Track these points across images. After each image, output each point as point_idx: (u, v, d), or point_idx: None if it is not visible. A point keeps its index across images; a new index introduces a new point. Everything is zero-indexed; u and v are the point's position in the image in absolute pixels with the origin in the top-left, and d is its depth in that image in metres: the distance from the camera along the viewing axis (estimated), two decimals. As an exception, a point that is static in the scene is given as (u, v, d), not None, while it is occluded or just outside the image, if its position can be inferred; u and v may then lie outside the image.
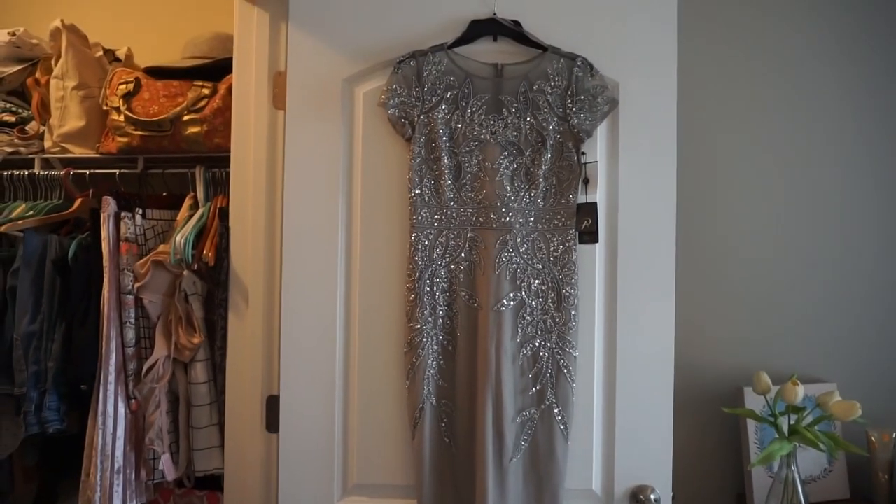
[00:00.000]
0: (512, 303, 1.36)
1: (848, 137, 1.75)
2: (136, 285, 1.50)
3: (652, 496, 1.36)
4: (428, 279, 1.37)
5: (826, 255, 1.75)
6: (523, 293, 1.37)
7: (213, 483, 1.59)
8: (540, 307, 1.37)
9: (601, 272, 1.43)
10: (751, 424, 1.63)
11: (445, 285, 1.38)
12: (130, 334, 1.49)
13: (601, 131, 1.44)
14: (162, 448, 1.46)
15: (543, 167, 1.39)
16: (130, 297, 1.50)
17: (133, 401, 1.48)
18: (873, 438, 1.64)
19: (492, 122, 1.40)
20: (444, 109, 1.40)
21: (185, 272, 1.52)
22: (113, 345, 1.47)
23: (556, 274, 1.37)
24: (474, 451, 1.34)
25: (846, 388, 1.63)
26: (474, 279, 1.38)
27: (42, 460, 1.64)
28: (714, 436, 1.75)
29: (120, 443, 1.45)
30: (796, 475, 1.49)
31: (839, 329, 1.75)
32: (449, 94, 1.41)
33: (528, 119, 1.40)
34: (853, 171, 1.75)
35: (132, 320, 1.50)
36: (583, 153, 1.41)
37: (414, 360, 1.36)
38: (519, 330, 1.36)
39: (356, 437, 1.41)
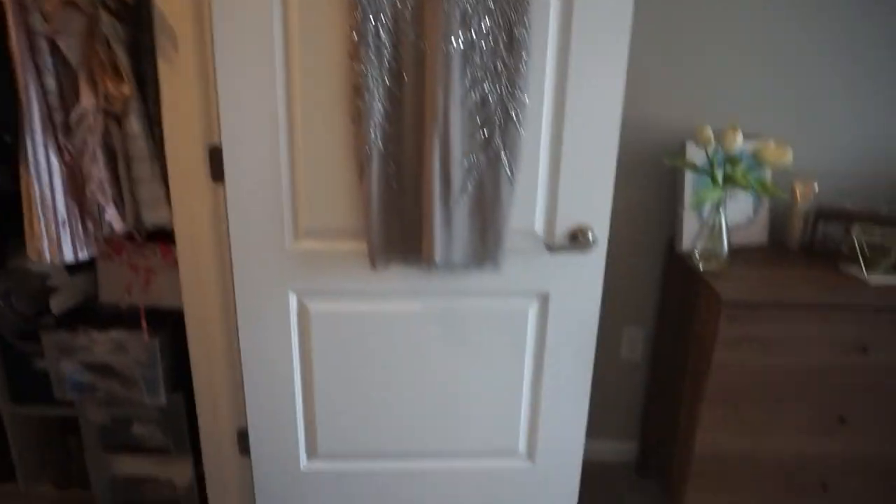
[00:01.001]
0: (461, 43, 1.29)
1: None
2: (46, 26, 1.35)
3: (590, 235, 1.45)
4: (372, 17, 1.28)
5: (777, 8, 1.70)
6: (473, 33, 1.29)
7: (165, 237, 1.61)
8: (490, 49, 1.31)
9: (555, 16, 1.35)
10: (689, 178, 1.71)
11: (391, 24, 1.29)
12: (51, 82, 1.38)
13: None
14: (105, 200, 1.44)
15: None
16: (43, 41, 1.36)
17: (66, 153, 1.41)
18: (797, 188, 1.75)
19: None
20: None
21: (103, 14, 1.37)
22: (32, 92, 1.36)
23: (508, 13, 1.29)
24: (421, 194, 1.36)
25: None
26: (422, 17, 1.29)
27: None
28: (654, 188, 1.83)
29: (59, 195, 1.41)
30: (723, 221, 1.60)
31: (782, 87, 1.77)
32: None
33: None
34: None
35: (50, 67, 1.38)
36: None
37: (359, 104, 1.32)
38: (468, 72, 1.31)
39: (304, 184, 1.41)
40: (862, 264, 1.62)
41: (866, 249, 1.63)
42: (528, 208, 1.44)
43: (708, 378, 1.55)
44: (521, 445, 1.66)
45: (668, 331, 1.86)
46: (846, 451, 1.62)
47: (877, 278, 1.59)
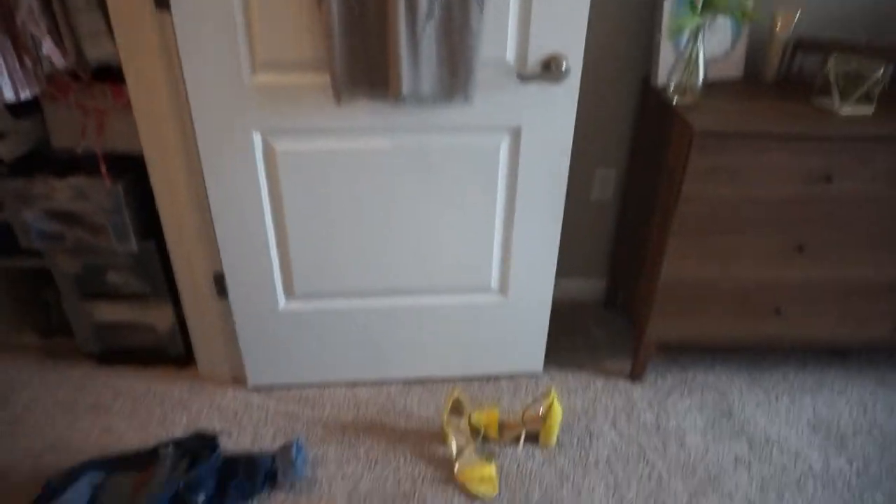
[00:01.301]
0: None
1: None
2: None
3: (563, 65, 1.39)
4: None
5: None
6: None
7: (115, 76, 1.50)
8: None
9: None
10: (668, 4, 1.62)
11: None
12: None
13: None
14: (39, 31, 1.32)
15: None
16: None
17: (-13, -24, 1.27)
18: (777, 17, 1.68)
19: None
20: None
21: None
22: None
23: None
24: (386, 20, 1.27)
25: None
26: None
27: None
28: (630, 20, 1.74)
29: (-13, 26, 1.29)
30: (701, 52, 1.55)
31: None
32: None
33: None
34: None
35: None
36: None
37: (313, -87, 1.19)
38: None
39: (258, 8, 1.30)
40: (834, 95, 1.60)
41: (840, 80, 1.60)
42: (500, 36, 1.37)
43: (677, 210, 1.58)
44: (494, 281, 1.72)
45: (640, 169, 1.86)
46: (801, 278, 1.71)
47: (848, 109, 1.58)
